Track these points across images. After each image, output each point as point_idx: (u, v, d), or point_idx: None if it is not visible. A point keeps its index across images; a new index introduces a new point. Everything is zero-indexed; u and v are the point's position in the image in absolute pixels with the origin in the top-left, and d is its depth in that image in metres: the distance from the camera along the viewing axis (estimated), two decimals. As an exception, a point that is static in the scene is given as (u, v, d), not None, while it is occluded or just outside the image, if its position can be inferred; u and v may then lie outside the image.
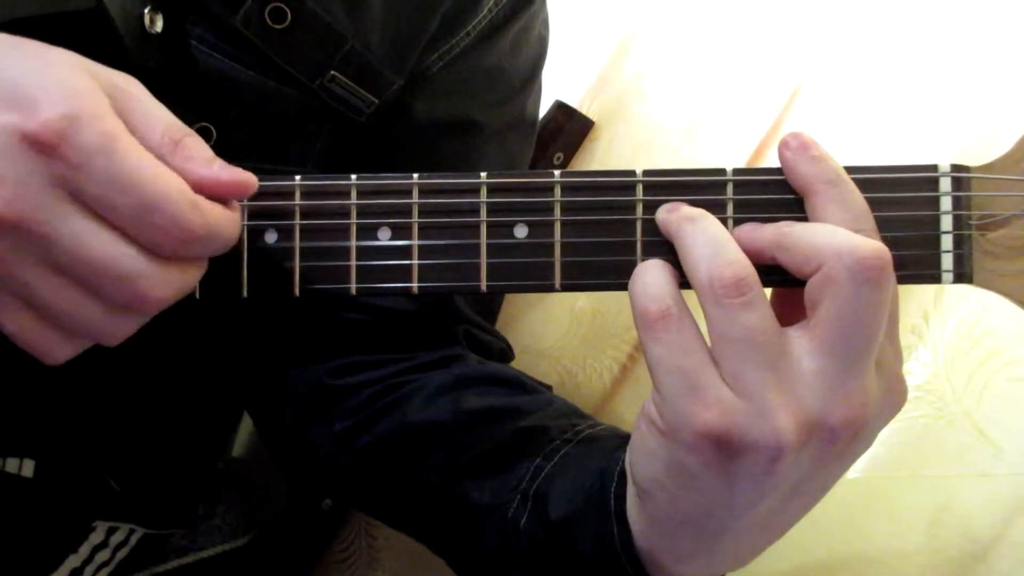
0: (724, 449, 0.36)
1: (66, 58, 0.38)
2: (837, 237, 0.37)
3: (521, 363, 0.69)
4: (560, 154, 0.87)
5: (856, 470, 0.63)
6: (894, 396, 0.38)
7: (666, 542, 0.41)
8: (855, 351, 0.36)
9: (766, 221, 0.40)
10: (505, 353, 0.68)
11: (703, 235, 0.38)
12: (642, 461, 0.40)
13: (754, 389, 0.36)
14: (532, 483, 0.50)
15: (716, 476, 0.37)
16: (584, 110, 0.91)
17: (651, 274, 0.39)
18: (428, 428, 0.55)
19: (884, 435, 0.62)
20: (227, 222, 0.39)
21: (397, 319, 0.62)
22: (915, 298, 0.63)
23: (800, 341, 0.36)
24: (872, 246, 0.36)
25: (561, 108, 0.89)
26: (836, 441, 0.36)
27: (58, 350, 0.39)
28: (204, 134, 0.52)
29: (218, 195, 0.38)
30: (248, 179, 0.39)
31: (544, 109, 0.88)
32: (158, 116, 0.39)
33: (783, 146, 0.40)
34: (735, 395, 0.36)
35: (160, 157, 0.37)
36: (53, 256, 0.36)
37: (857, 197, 0.39)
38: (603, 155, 0.84)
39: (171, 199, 0.36)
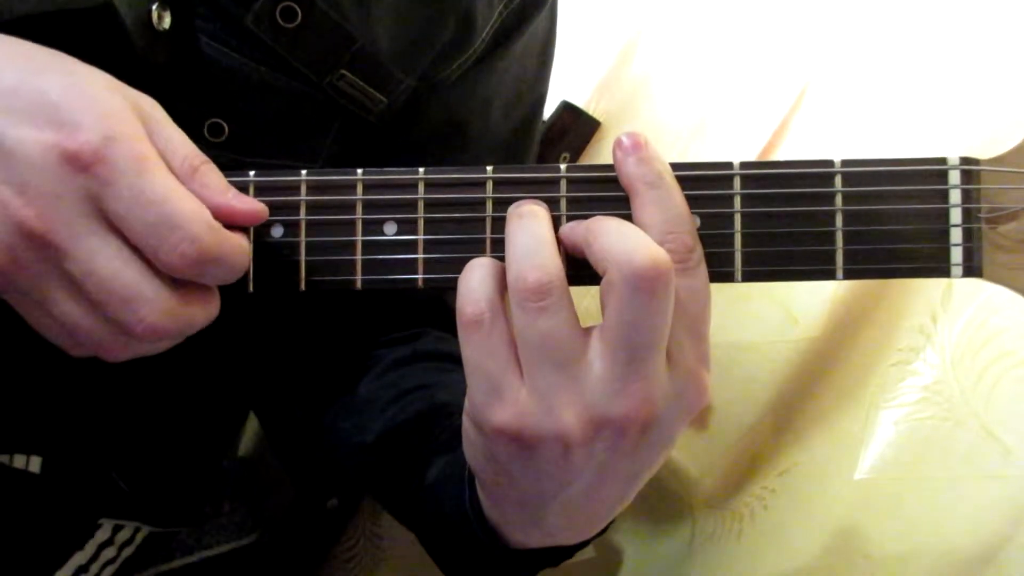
0: (519, 443, 0.39)
1: (100, 79, 0.39)
2: (621, 243, 0.38)
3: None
4: (566, 154, 0.87)
5: (863, 471, 0.62)
6: (690, 395, 0.39)
7: (498, 514, 0.45)
8: (636, 353, 0.37)
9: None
10: None
11: (523, 234, 0.40)
12: (467, 449, 0.43)
13: (545, 389, 0.38)
14: (424, 453, 0.54)
15: (520, 465, 0.40)
16: (591, 111, 0.91)
17: (474, 274, 0.40)
18: (367, 403, 0.61)
19: (892, 436, 0.62)
20: (239, 250, 0.40)
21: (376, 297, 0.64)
22: (923, 299, 0.63)
23: (594, 343, 0.38)
24: (649, 256, 0.37)
25: (568, 108, 0.89)
26: (625, 435, 0.38)
27: (75, 352, 0.40)
28: (216, 130, 0.53)
29: (231, 222, 0.40)
30: (260, 208, 0.41)
31: (551, 109, 0.88)
32: (179, 142, 0.40)
33: (616, 145, 0.41)
34: (529, 394, 0.38)
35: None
36: (69, 269, 0.37)
37: (676, 201, 0.40)
38: (610, 156, 0.84)
39: (190, 219, 0.38)
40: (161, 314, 0.38)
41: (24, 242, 0.37)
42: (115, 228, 0.37)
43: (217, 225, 0.39)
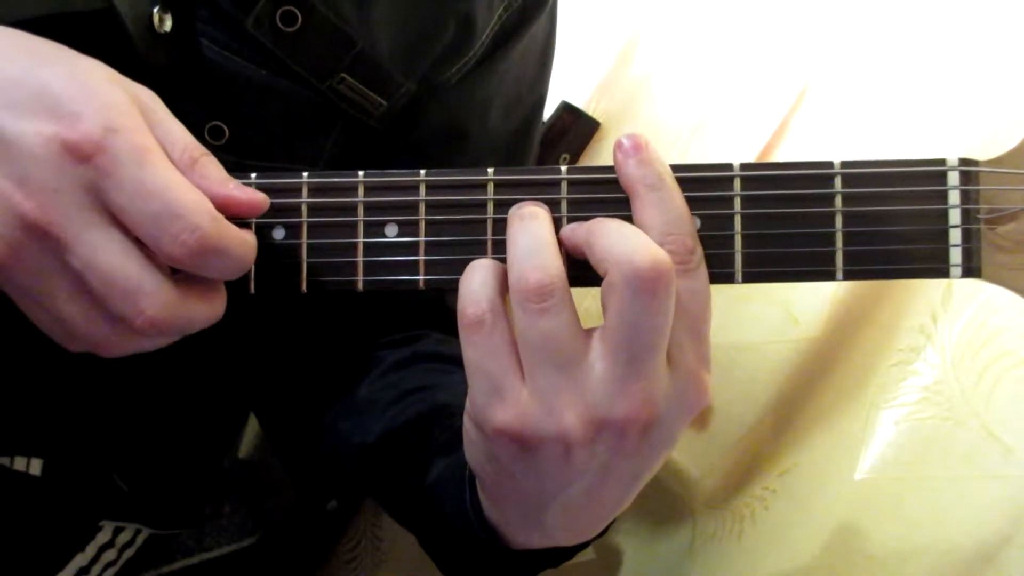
0: (520, 444, 0.39)
1: (102, 72, 0.39)
2: (622, 244, 0.38)
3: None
4: (566, 155, 0.87)
5: (863, 471, 0.63)
6: (690, 395, 0.40)
7: (499, 515, 0.45)
8: (636, 354, 0.37)
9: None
10: None
11: (524, 235, 0.40)
12: (468, 449, 0.43)
13: (546, 390, 0.38)
14: (425, 454, 0.54)
15: (521, 465, 0.40)
16: (590, 111, 0.91)
17: (476, 275, 0.40)
18: (368, 404, 0.61)
19: (892, 436, 0.62)
20: (242, 242, 0.40)
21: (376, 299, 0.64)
22: (923, 298, 0.63)
23: (595, 344, 0.38)
24: (650, 257, 0.37)
25: (567, 109, 0.89)
26: (626, 436, 0.38)
27: (72, 347, 0.40)
28: (217, 133, 0.53)
29: (232, 213, 0.40)
30: (261, 198, 0.41)
31: (551, 110, 0.88)
32: (178, 134, 0.40)
33: (617, 147, 0.41)
34: (530, 395, 0.38)
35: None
36: (70, 262, 0.37)
37: (676, 202, 0.40)
38: (609, 156, 0.85)
39: (192, 209, 0.37)
40: (162, 307, 0.38)
41: (25, 235, 0.37)
42: (116, 220, 0.37)
43: (219, 216, 0.39)
